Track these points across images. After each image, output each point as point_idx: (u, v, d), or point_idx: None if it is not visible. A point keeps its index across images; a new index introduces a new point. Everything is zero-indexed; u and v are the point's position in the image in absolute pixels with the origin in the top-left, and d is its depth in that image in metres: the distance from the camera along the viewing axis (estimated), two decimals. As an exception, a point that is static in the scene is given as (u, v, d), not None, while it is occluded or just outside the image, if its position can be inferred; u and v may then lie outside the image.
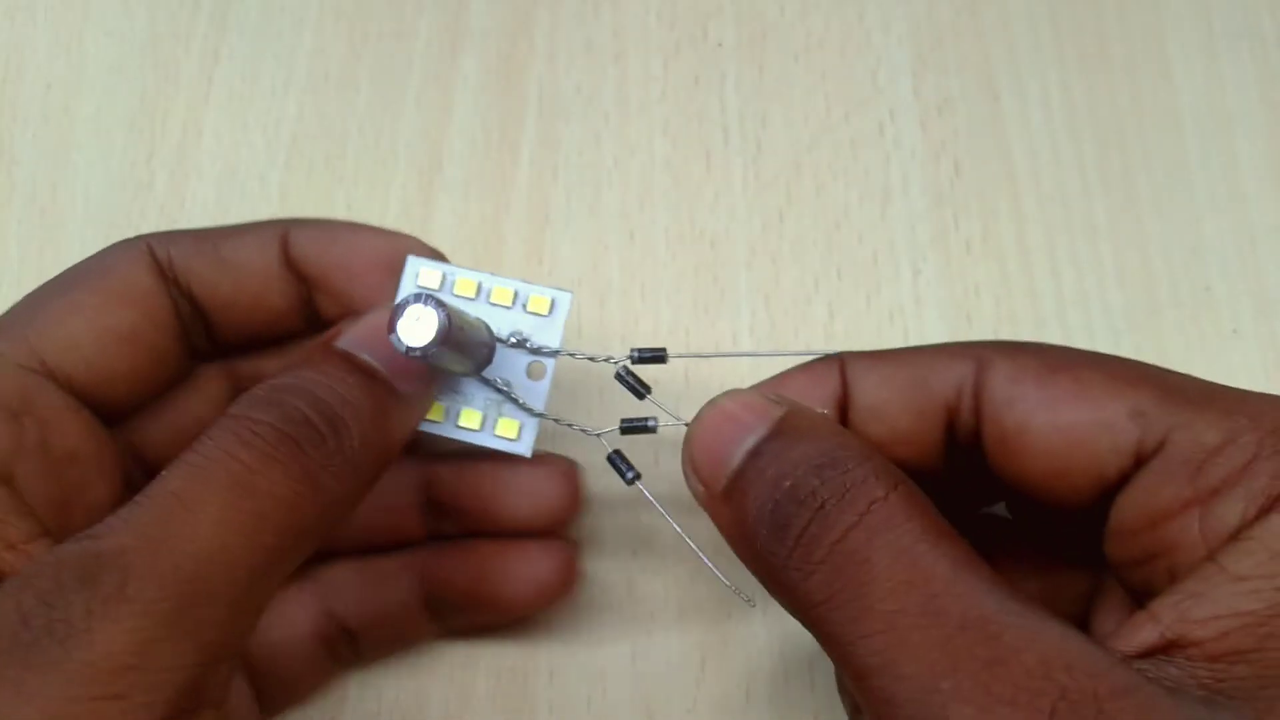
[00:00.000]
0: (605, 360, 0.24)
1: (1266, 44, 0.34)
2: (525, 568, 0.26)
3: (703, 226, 0.32)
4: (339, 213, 0.33)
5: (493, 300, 0.24)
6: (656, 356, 0.25)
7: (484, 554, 0.26)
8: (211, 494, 0.19)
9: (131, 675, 0.17)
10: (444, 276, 0.24)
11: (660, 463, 0.29)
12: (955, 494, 0.21)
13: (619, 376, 0.24)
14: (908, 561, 0.18)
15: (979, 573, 0.18)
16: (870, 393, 0.22)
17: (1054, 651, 0.17)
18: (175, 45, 0.35)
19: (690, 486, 0.22)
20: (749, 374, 0.29)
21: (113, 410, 0.24)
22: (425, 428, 0.24)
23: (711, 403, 0.22)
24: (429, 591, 0.26)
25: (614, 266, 0.32)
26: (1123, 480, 0.20)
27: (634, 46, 0.34)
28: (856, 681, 0.18)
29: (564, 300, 0.24)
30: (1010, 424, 0.20)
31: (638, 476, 0.24)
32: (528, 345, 0.24)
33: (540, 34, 0.35)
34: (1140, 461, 0.20)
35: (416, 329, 0.20)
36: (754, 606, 0.27)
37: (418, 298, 0.20)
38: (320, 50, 0.35)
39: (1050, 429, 0.20)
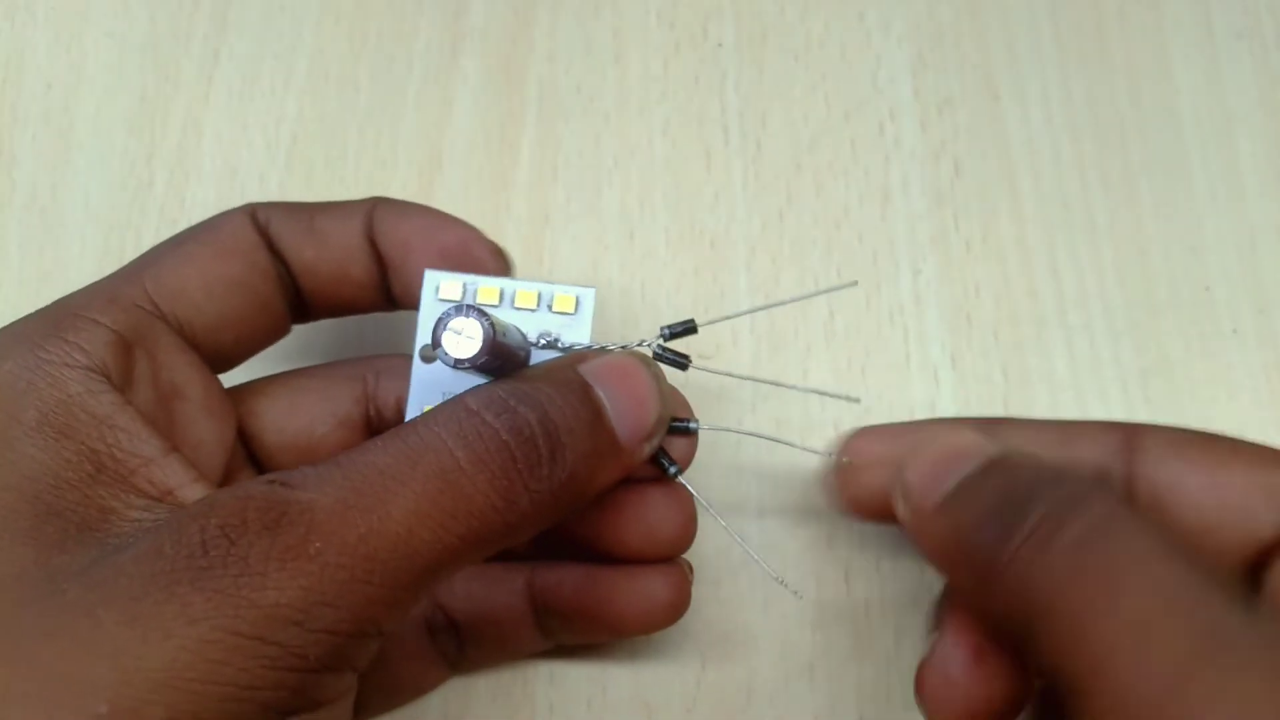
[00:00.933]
0: (638, 345, 0.24)
1: (1266, 44, 0.34)
2: (640, 586, 0.25)
3: (703, 226, 0.32)
4: (339, 213, 0.33)
5: (517, 305, 0.24)
6: (687, 329, 0.25)
7: (598, 569, 0.26)
8: (416, 479, 0.19)
9: (292, 629, 0.17)
10: (464, 287, 0.24)
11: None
12: None
13: (657, 355, 0.25)
14: (1154, 560, 0.18)
15: (1222, 579, 0.18)
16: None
17: None
18: (175, 45, 0.35)
19: (899, 508, 0.22)
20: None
21: (223, 357, 0.25)
22: None
23: (932, 441, 0.22)
24: (539, 600, 0.26)
25: (614, 266, 0.32)
26: (1277, 544, 0.20)
27: (634, 46, 0.34)
28: (1085, 673, 0.17)
29: (589, 296, 0.24)
30: (1164, 481, 0.21)
31: (679, 472, 0.25)
32: (559, 345, 0.24)
33: (540, 34, 0.35)
34: None
35: (462, 341, 0.20)
36: (801, 599, 0.28)
37: (459, 309, 0.20)
38: (320, 50, 0.35)
39: (1208, 487, 0.21)
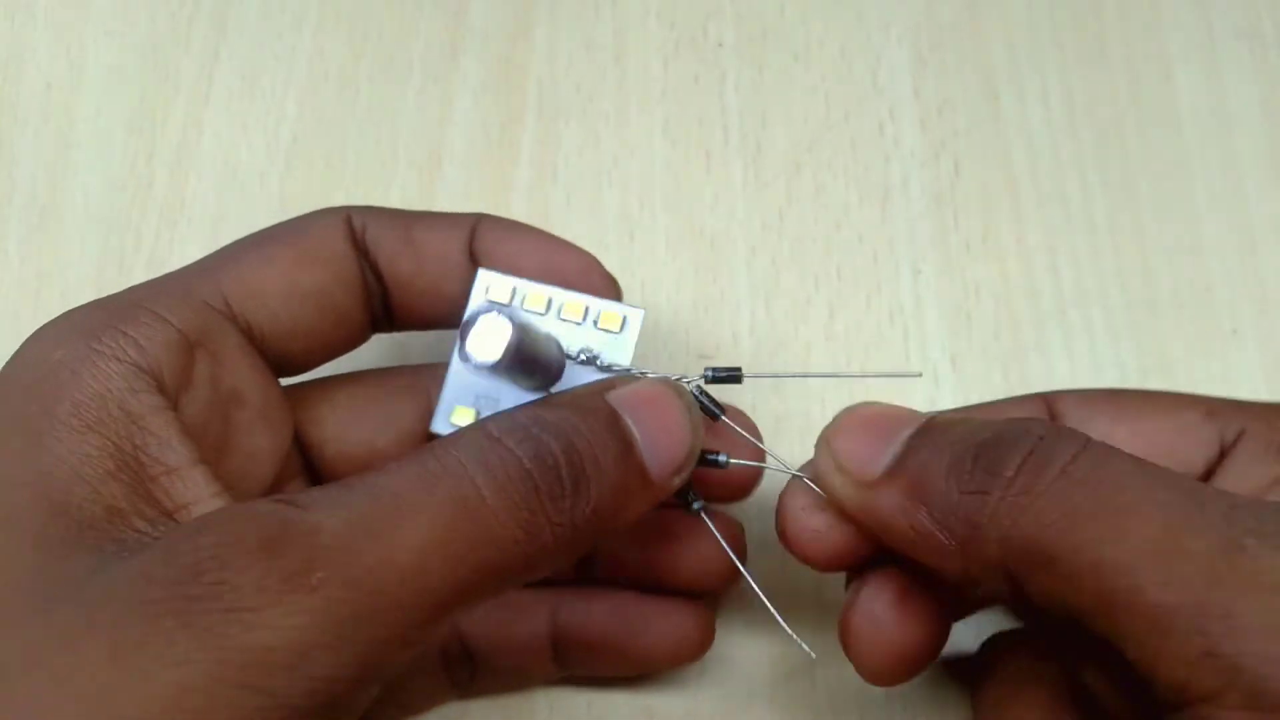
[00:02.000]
0: (678, 379, 0.23)
1: (1266, 44, 0.34)
2: (670, 623, 0.25)
3: (703, 226, 0.32)
4: (339, 213, 0.33)
5: (563, 315, 0.24)
6: (732, 376, 0.24)
7: (622, 603, 0.25)
8: (432, 505, 0.17)
9: (283, 676, 0.16)
10: (514, 290, 0.24)
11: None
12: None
13: (694, 397, 0.23)
14: (1147, 483, 0.17)
15: (1213, 489, 0.18)
16: None
17: None
18: (175, 45, 0.35)
19: (828, 483, 0.21)
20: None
21: (289, 365, 0.24)
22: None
23: (850, 409, 0.22)
24: (559, 631, 0.25)
25: (614, 266, 0.32)
26: (1209, 474, 0.21)
27: (634, 46, 0.34)
28: (1110, 602, 0.17)
29: (636, 317, 0.24)
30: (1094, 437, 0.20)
31: (702, 507, 0.24)
32: (598, 363, 0.24)
33: (540, 34, 0.35)
34: (1224, 453, 0.21)
35: (486, 343, 0.19)
36: (815, 659, 0.25)
37: (491, 307, 0.19)
38: (320, 50, 0.35)
39: (1133, 435, 0.21)
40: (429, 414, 0.25)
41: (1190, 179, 0.32)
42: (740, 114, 0.34)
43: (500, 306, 0.20)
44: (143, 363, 0.20)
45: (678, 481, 0.22)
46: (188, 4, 0.35)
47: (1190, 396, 0.23)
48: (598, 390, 0.21)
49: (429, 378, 0.25)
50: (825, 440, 0.22)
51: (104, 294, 0.32)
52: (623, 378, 0.22)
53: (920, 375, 0.29)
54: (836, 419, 0.22)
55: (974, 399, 0.30)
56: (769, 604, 0.23)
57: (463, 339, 0.19)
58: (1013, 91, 0.33)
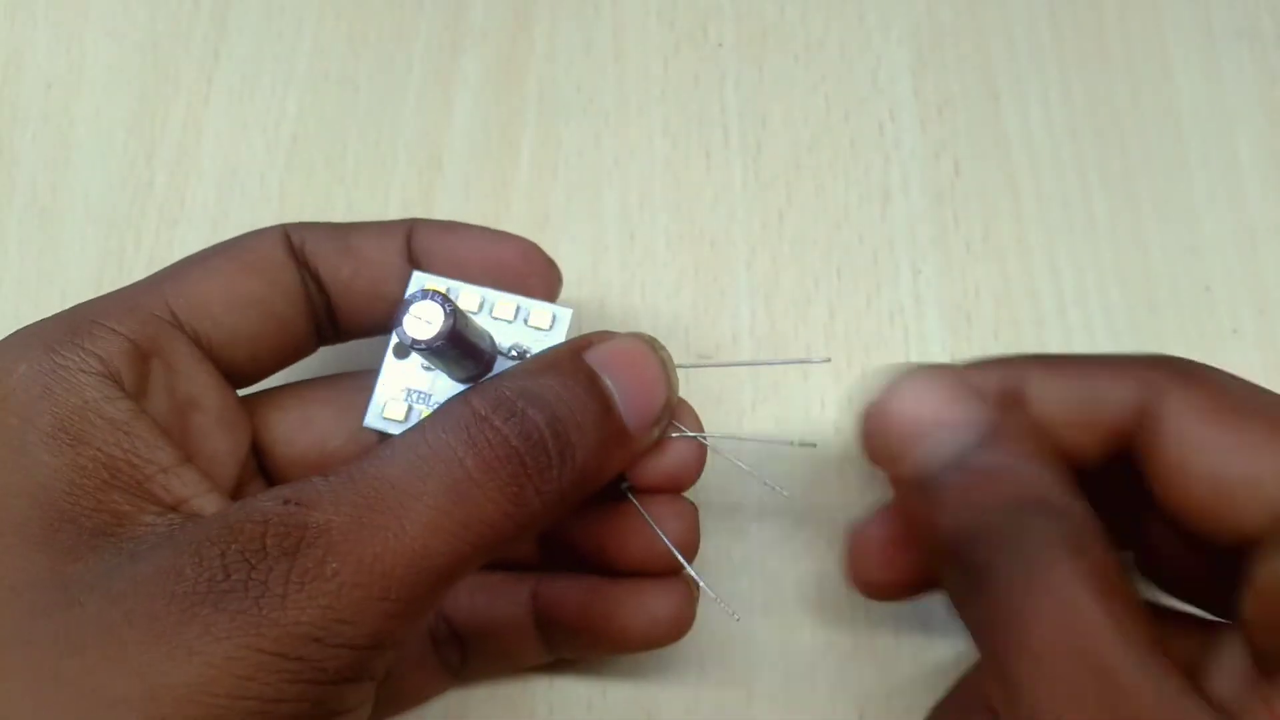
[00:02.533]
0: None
1: (1266, 44, 0.34)
2: (643, 602, 0.25)
3: (703, 226, 0.32)
4: (339, 213, 0.33)
5: (495, 315, 0.25)
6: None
7: (603, 583, 0.25)
8: (428, 493, 0.19)
9: (312, 646, 0.18)
10: (448, 290, 0.25)
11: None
12: (1107, 501, 0.22)
13: None
14: (1073, 608, 0.19)
15: (1141, 641, 0.18)
16: (1044, 404, 0.22)
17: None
18: (175, 45, 0.35)
19: (870, 448, 0.22)
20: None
21: (239, 373, 0.25)
22: (385, 427, 0.25)
23: (910, 374, 0.22)
24: (543, 613, 0.26)
25: (614, 266, 0.32)
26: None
27: (634, 46, 0.34)
28: (992, 693, 0.19)
29: (564, 316, 0.25)
30: (1173, 461, 0.21)
31: (631, 489, 0.24)
32: (526, 357, 0.24)
33: (540, 34, 0.35)
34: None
35: (423, 324, 0.21)
36: (739, 620, 0.27)
37: (425, 294, 0.21)
38: (320, 50, 0.35)
39: (1206, 475, 0.21)
40: None
41: (1190, 179, 0.32)
42: (740, 114, 0.34)
43: (434, 293, 0.21)
44: (107, 373, 0.21)
45: (656, 433, 0.23)
46: (188, 4, 0.35)
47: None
48: (576, 350, 0.22)
49: (374, 380, 0.26)
50: (873, 412, 0.22)
51: (104, 294, 0.32)
52: (597, 334, 0.23)
53: (829, 360, 0.30)
54: (896, 386, 0.22)
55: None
56: (696, 575, 0.25)
57: (399, 322, 0.21)
58: (1013, 91, 0.33)
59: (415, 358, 0.25)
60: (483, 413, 0.20)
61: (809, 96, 0.34)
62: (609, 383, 0.22)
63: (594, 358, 0.22)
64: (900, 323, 0.31)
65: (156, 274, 0.24)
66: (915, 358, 0.31)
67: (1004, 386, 0.22)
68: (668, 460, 0.24)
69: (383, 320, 0.26)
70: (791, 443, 0.26)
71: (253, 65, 0.35)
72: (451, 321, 0.21)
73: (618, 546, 0.25)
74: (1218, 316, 0.31)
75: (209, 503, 0.21)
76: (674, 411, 0.24)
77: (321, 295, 0.25)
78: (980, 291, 0.31)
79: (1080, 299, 0.31)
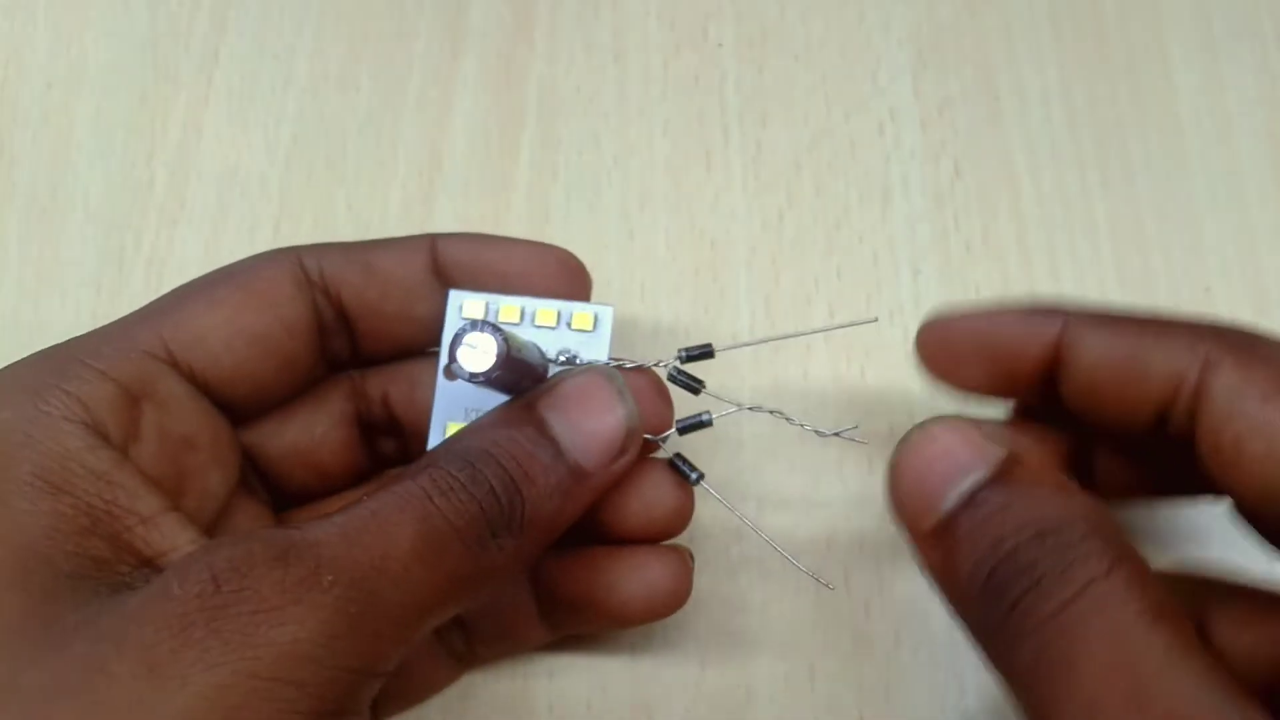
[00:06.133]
0: (655, 365, 0.25)
1: (1266, 44, 0.34)
2: (642, 574, 0.25)
3: (703, 226, 0.32)
4: (339, 213, 0.33)
5: (537, 323, 0.25)
6: (704, 353, 0.25)
7: (599, 558, 0.26)
8: (407, 521, 0.19)
9: (310, 667, 0.17)
10: (487, 306, 0.25)
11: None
12: (1158, 468, 0.22)
13: (672, 378, 0.25)
14: (1120, 644, 0.17)
15: (1193, 661, 0.17)
16: (1086, 362, 0.22)
17: None
18: (175, 45, 0.35)
19: (893, 511, 0.21)
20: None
21: (235, 408, 0.24)
22: None
23: (922, 428, 0.21)
24: (542, 590, 0.26)
25: (614, 266, 0.32)
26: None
27: (634, 46, 0.34)
28: None
29: (606, 314, 0.25)
30: (1228, 440, 0.20)
31: (701, 477, 0.25)
32: (577, 361, 0.25)
33: (540, 34, 0.35)
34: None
35: (475, 355, 0.21)
36: (834, 590, 0.28)
37: (474, 325, 0.21)
38: (320, 50, 0.35)
39: (1266, 457, 0.19)
40: (354, 396, 0.26)
41: (1190, 179, 0.32)
42: (740, 114, 0.34)
43: (482, 322, 0.21)
44: (89, 420, 0.21)
45: (621, 464, 0.23)
46: (188, 4, 0.35)
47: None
48: (531, 401, 0.22)
49: (431, 406, 0.26)
50: (892, 471, 0.22)
51: (104, 294, 0.32)
52: (556, 376, 0.23)
53: (876, 320, 0.30)
54: (908, 441, 0.21)
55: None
56: (776, 545, 0.25)
57: (452, 356, 0.21)
58: (1013, 91, 0.33)
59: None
60: (440, 464, 0.21)
61: (809, 96, 0.34)
62: (558, 429, 0.22)
63: (545, 403, 0.22)
64: (900, 323, 0.31)
65: (158, 301, 0.24)
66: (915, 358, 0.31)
67: (1042, 340, 0.22)
68: (655, 509, 0.25)
69: (412, 339, 0.26)
70: (821, 431, 0.26)
71: (253, 65, 0.35)
72: (505, 349, 0.21)
73: (616, 514, 0.25)
74: (1217, 316, 0.31)
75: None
76: (640, 439, 0.23)
77: (340, 321, 0.25)
78: (980, 291, 0.31)
79: (1080, 299, 0.31)
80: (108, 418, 0.21)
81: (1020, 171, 0.32)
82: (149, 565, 0.20)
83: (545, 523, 0.22)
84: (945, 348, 0.24)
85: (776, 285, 0.32)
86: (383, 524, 0.19)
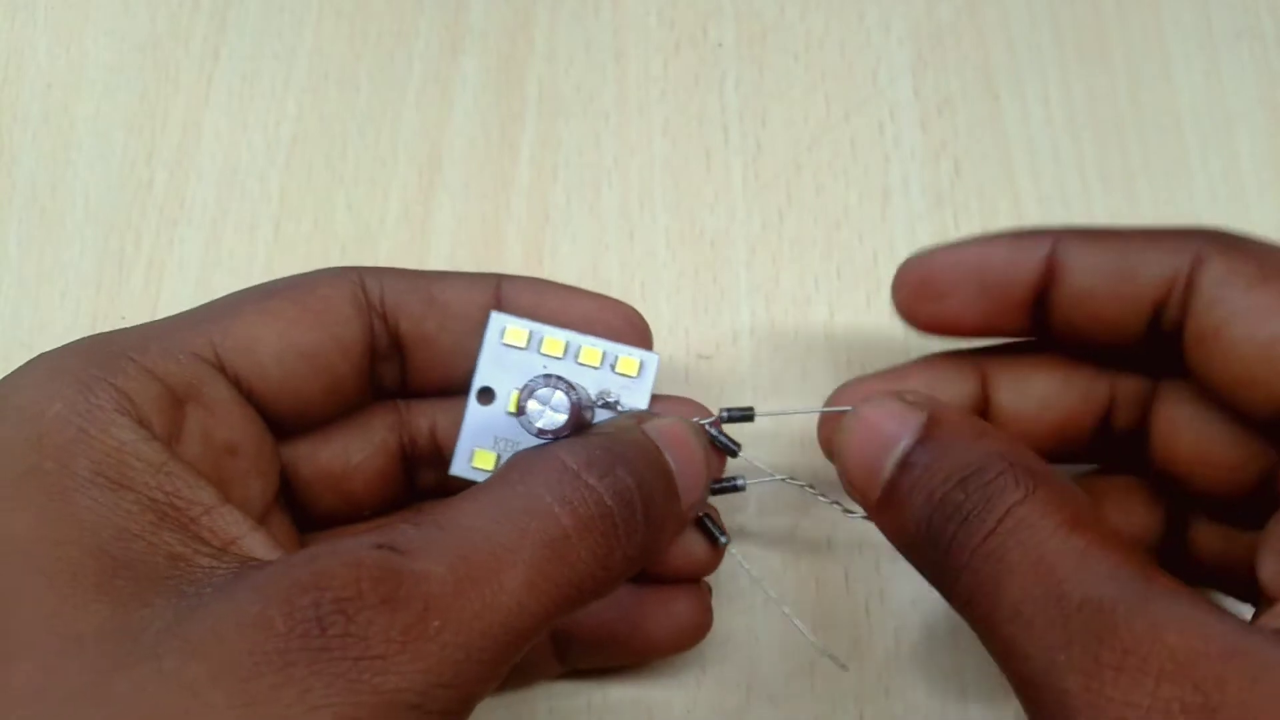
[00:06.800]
0: (697, 421, 0.25)
1: (1266, 44, 0.34)
2: (669, 609, 0.25)
3: (703, 226, 0.32)
4: (339, 213, 0.33)
5: (580, 360, 0.24)
6: (745, 416, 0.25)
7: (618, 595, 0.25)
8: (525, 548, 0.19)
9: (412, 714, 0.17)
10: (530, 335, 0.24)
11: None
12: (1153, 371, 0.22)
13: (712, 436, 0.25)
14: (1038, 554, 0.18)
15: (1109, 557, 0.18)
16: (1078, 276, 0.22)
17: (1167, 618, 0.17)
18: (175, 45, 0.35)
19: (849, 492, 0.23)
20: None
21: (276, 422, 0.24)
22: (474, 475, 0.24)
23: (855, 413, 0.22)
24: (560, 630, 0.26)
25: (614, 266, 0.32)
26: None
27: (634, 46, 0.34)
28: (1002, 669, 0.19)
29: (652, 362, 0.25)
30: (1209, 326, 0.21)
31: (729, 540, 0.25)
32: (618, 407, 0.24)
33: (540, 34, 0.35)
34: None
35: (547, 413, 0.21)
36: (847, 670, 0.28)
37: (546, 380, 0.21)
38: (320, 50, 0.35)
39: (1246, 339, 0.20)
40: (399, 427, 0.25)
41: (1190, 179, 0.32)
42: (740, 114, 0.34)
43: (556, 378, 0.21)
44: (138, 416, 0.20)
45: (694, 514, 0.24)
46: (188, 4, 0.35)
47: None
48: (635, 424, 0.22)
49: (460, 429, 0.26)
50: (837, 460, 0.23)
51: (104, 294, 0.32)
52: (647, 414, 0.24)
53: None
54: (843, 427, 0.22)
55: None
56: (793, 618, 0.26)
57: (521, 409, 0.21)
58: (1013, 91, 0.33)
59: (498, 404, 0.24)
60: (575, 468, 0.20)
61: (809, 96, 0.34)
62: (670, 460, 0.22)
63: (654, 434, 0.22)
64: (900, 322, 0.31)
65: (207, 305, 0.23)
66: (916, 357, 0.31)
67: (1031, 261, 0.23)
68: (690, 555, 0.25)
69: (463, 377, 0.25)
70: (850, 512, 0.25)
71: (253, 65, 0.35)
72: (578, 408, 0.21)
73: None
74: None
75: (255, 543, 0.20)
76: (708, 493, 0.24)
77: (394, 348, 0.24)
78: (980, 291, 0.31)
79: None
80: (153, 416, 0.20)
81: (1020, 171, 0.32)
82: (224, 551, 0.19)
83: (657, 546, 0.21)
84: (929, 285, 0.24)
85: (776, 285, 0.32)
86: (500, 552, 0.18)
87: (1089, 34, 0.34)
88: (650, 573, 0.25)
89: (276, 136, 0.34)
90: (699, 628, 0.26)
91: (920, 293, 0.24)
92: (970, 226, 0.32)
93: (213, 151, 0.34)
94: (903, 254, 0.32)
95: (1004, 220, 0.32)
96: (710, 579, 0.29)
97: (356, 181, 0.33)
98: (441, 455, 0.26)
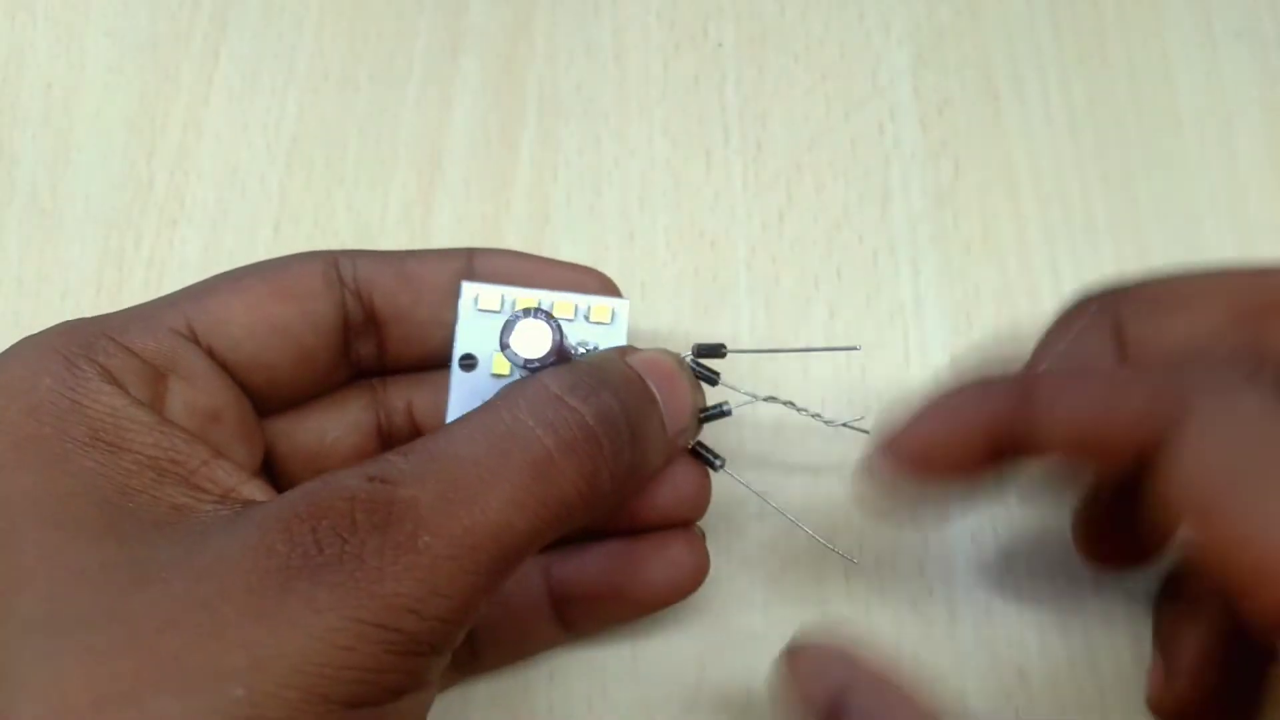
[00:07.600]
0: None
1: (1266, 44, 0.34)
2: (665, 555, 0.25)
3: (703, 226, 0.32)
4: (339, 213, 0.33)
5: (555, 315, 0.25)
6: (715, 352, 0.26)
7: (613, 547, 0.26)
8: (509, 470, 0.19)
9: (410, 618, 0.18)
10: (503, 298, 0.25)
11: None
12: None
13: (690, 367, 0.25)
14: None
15: None
16: (1053, 429, 0.21)
17: None
18: (175, 45, 0.35)
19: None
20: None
21: (252, 397, 0.24)
22: None
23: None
24: (556, 589, 0.26)
25: (614, 266, 0.32)
26: None
27: (634, 46, 0.34)
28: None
29: (623, 308, 0.25)
30: (1194, 501, 0.18)
31: (724, 463, 0.25)
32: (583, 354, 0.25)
33: (540, 34, 0.35)
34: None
35: (530, 342, 0.21)
36: (856, 563, 0.28)
37: (527, 313, 0.22)
38: (320, 50, 0.35)
39: (1241, 537, 0.18)
40: (374, 406, 0.26)
41: (1190, 179, 0.32)
42: (740, 114, 0.34)
43: (537, 310, 0.22)
44: (123, 387, 0.21)
45: (684, 442, 0.24)
46: (188, 4, 0.35)
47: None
48: (618, 356, 0.23)
49: (446, 397, 0.26)
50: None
51: (104, 294, 0.32)
52: (630, 347, 0.24)
53: (858, 349, 0.30)
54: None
55: (974, 399, 0.30)
56: (799, 523, 0.26)
57: (504, 344, 0.21)
58: (1013, 91, 0.33)
59: (481, 368, 0.25)
60: (558, 393, 0.21)
61: (809, 96, 0.34)
62: (654, 387, 0.23)
63: (638, 364, 0.23)
64: (900, 323, 0.31)
65: (183, 289, 0.24)
66: (915, 358, 0.31)
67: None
68: (680, 492, 0.25)
69: (440, 350, 0.25)
70: (829, 422, 0.27)
71: (253, 65, 0.35)
72: (560, 337, 0.21)
73: (643, 500, 0.25)
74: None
75: (256, 489, 0.21)
76: (696, 428, 0.24)
77: (369, 325, 0.25)
78: (980, 291, 0.31)
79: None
80: (137, 387, 0.21)
81: (1020, 171, 0.32)
82: (225, 499, 0.20)
83: (646, 469, 0.22)
84: (909, 467, 0.22)
85: (776, 285, 0.32)
86: (485, 474, 0.19)
87: (1089, 34, 0.34)
88: (642, 520, 0.25)
89: (276, 136, 0.34)
90: (697, 570, 0.26)
91: (902, 474, 0.23)
92: (970, 226, 0.32)
93: (213, 151, 0.34)
94: (903, 254, 0.32)
95: (1004, 220, 0.32)
96: (710, 580, 0.29)
97: (356, 181, 0.33)
98: (419, 433, 0.26)
